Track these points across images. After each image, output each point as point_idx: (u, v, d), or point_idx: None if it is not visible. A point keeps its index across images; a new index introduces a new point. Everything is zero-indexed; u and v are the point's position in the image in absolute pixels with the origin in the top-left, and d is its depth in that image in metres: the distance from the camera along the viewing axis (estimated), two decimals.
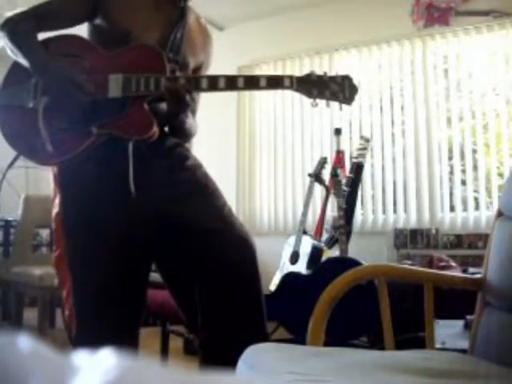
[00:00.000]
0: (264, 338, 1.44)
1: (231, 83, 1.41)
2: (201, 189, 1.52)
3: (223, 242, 1.47)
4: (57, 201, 1.53)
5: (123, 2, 1.49)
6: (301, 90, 1.40)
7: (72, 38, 1.50)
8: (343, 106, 1.43)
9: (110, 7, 1.47)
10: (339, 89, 1.40)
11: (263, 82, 1.40)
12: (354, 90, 1.41)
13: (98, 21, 1.49)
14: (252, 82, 1.42)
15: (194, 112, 1.64)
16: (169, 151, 1.53)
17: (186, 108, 1.47)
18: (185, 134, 1.59)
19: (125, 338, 1.45)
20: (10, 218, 3.91)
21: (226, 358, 1.34)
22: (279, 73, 4.63)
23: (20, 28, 1.44)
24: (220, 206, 1.52)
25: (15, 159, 1.47)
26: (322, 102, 1.43)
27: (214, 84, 1.40)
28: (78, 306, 1.47)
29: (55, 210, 1.53)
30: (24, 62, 1.41)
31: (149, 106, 1.42)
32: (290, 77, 1.40)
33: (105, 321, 1.43)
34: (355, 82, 1.43)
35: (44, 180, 4.84)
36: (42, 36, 1.48)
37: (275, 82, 1.42)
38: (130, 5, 1.49)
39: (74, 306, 1.47)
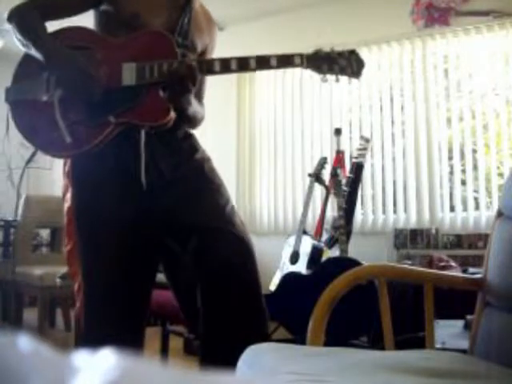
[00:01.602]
0: (264, 338, 1.44)
1: (243, 64, 1.42)
2: (206, 185, 1.53)
3: (222, 241, 1.47)
4: (68, 195, 1.53)
5: None
6: (311, 66, 1.43)
7: (80, 30, 1.49)
8: (352, 81, 1.47)
9: None
10: (347, 63, 1.43)
11: (274, 62, 1.41)
12: (360, 63, 1.44)
13: (104, 6, 1.48)
14: (263, 62, 1.43)
15: (200, 97, 1.64)
16: (179, 143, 1.53)
17: (185, 92, 1.45)
18: (188, 121, 1.58)
19: (129, 338, 1.45)
20: (9, 218, 3.91)
21: (226, 358, 1.34)
22: (279, 73, 4.63)
23: (28, 19, 1.43)
24: (223, 204, 1.52)
25: (33, 155, 1.47)
26: (331, 79, 1.45)
27: (226, 66, 1.41)
28: (87, 302, 1.47)
29: (67, 204, 1.53)
30: (35, 53, 1.40)
31: (166, 90, 1.42)
32: (300, 55, 1.42)
33: (111, 319, 1.44)
34: (361, 56, 1.46)
35: (44, 180, 4.83)
36: (49, 28, 1.47)
37: (286, 61, 1.44)
38: None
39: (83, 301, 1.48)
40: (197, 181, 1.52)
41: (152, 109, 1.40)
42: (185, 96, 1.46)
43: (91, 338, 1.44)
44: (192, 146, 1.56)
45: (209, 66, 1.43)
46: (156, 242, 1.50)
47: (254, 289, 1.49)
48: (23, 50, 1.44)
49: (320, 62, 1.43)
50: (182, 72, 1.38)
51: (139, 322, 1.50)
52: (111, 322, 1.43)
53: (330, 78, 1.45)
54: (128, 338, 1.43)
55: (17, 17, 1.43)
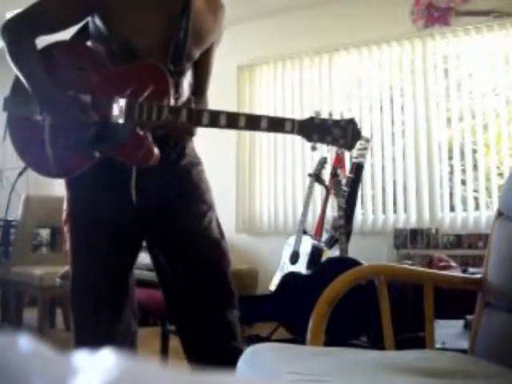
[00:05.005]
0: (232, 329, 1.54)
1: (232, 121, 1.39)
2: (191, 191, 1.57)
3: (202, 246, 1.55)
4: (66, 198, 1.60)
5: (121, 4, 1.43)
6: (302, 134, 1.37)
7: (80, 48, 1.49)
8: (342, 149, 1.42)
9: (108, 11, 1.43)
10: (341, 134, 1.36)
11: (264, 124, 1.37)
12: (356, 134, 1.36)
13: (97, 21, 1.46)
14: (253, 123, 1.40)
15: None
16: (168, 153, 1.53)
17: (185, 137, 1.52)
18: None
19: (118, 336, 1.51)
20: (10, 218, 3.90)
21: (206, 357, 1.49)
22: (279, 73, 4.63)
23: (19, 43, 1.41)
24: (205, 210, 1.57)
25: (23, 170, 1.50)
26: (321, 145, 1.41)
27: (214, 121, 1.39)
28: (75, 300, 1.51)
29: (65, 205, 1.59)
30: (26, 85, 1.39)
31: (154, 131, 1.43)
32: (292, 121, 1.37)
33: (100, 316, 1.49)
34: (359, 126, 1.38)
35: (44, 180, 4.83)
36: (47, 40, 1.46)
37: (277, 125, 1.39)
38: (127, 7, 1.44)
39: (72, 299, 1.50)
40: (182, 187, 1.56)
41: (136, 150, 1.40)
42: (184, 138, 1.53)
43: (80, 337, 1.49)
44: (178, 153, 1.57)
45: (197, 119, 1.40)
46: (140, 243, 1.59)
47: (225, 289, 1.56)
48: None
49: (312, 131, 1.36)
50: (179, 125, 1.40)
51: (127, 319, 1.55)
52: (99, 320, 1.49)
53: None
54: (117, 336, 1.50)
55: (8, 38, 1.41)
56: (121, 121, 1.39)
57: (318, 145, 1.38)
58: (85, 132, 1.38)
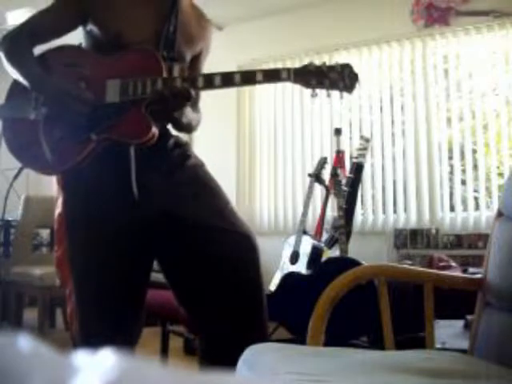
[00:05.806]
0: (263, 338, 1.44)
1: (227, 80, 1.39)
2: (203, 189, 1.53)
3: (225, 242, 1.48)
4: (60, 201, 1.54)
5: (110, 3, 1.47)
6: (299, 81, 1.37)
7: (70, 49, 1.51)
8: (344, 95, 1.40)
9: (97, 11, 1.46)
10: (339, 77, 1.36)
11: (260, 77, 1.38)
12: (354, 77, 1.37)
13: (90, 26, 1.49)
14: (249, 77, 1.41)
15: (194, 104, 1.62)
16: (170, 151, 1.53)
17: (174, 110, 1.47)
18: (182, 129, 1.59)
19: (126, 338, 1.47)
20: (10, 218, 3.91)
21: (225, 359, 1.36)
22: None
23: (16, 47, 1.44)
24: (222, 205, 1.52)
25: (20, 171, 1.49)
26: (322, 93, 1.39)
27: (210, 82, 1.39)
28: (80, 306, 1.48)
29: (58, 210, 1.55)
30: (22, 80, 1.42)
31: (150, 106, 1.42)
32: (288, 69, 1.37)
33: (105, 321, 1.44)
34: (356, 70, 1.38)
35: (44, 180, 4.85)
36: (42, 48, 1.49)
37: (272, 76, 1.39)
38: (117, 5, 1.47)
39: (76, 306, 1.48)
40: (193, 186, 1.52)
41: (133, 126, 1.39)
42: (175, 112, 1.47)
43: (87, 341, 1.45)
44: (183, 153, 1.55)
45: (192, 83, 1.40)
46: (149, 244, 1.50)
47: (256, 288, 1.50)
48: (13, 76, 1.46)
49: (309, 76, 1.36)
50: (167, 94, 1.37)
51: (134, 321, 1.51)
52: (105, 323, 1.45)
53: (321, 93, 1.38)
54: (122, 340, 1.45)
55: (6, 45, 1.45)
56: (115, 100, 1.39)
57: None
58: (83, 109, 1.37)
